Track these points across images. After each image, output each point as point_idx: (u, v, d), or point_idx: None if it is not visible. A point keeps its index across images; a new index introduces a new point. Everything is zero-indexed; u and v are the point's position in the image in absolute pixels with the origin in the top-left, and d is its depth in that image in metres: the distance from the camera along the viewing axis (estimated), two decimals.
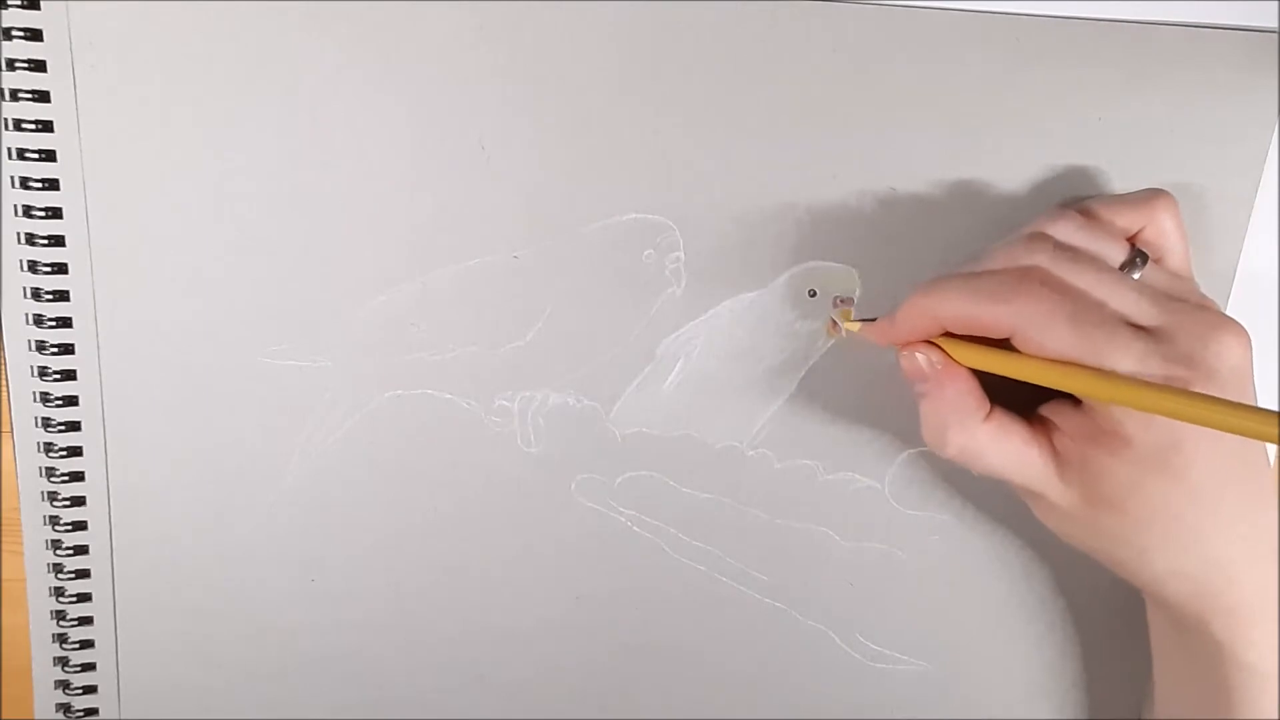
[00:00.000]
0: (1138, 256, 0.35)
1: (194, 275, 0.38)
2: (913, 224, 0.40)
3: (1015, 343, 0.33)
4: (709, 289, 0.40)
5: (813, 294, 0.40)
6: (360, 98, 0.37)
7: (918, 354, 0.35)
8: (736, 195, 0.40)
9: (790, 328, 0.41)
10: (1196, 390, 0.30)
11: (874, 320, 0.38)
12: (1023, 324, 0.32)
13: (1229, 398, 0.29)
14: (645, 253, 0.40)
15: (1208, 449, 0.32)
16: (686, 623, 0.44)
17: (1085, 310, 0.32)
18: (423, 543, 0.42)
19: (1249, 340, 0.33)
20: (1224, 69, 0.40)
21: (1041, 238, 0.35)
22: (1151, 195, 0.37)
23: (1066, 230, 0.35)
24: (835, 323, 0.41)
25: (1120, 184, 0.40)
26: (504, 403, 0.41)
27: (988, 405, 0.35)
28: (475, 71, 0.38)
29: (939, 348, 0.35)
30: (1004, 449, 0.35)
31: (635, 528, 0.42)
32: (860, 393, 0.42)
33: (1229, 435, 0.30)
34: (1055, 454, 0.35)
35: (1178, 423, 0.31)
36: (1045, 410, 0.36)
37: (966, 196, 0.40)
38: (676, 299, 0.40)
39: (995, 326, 0.33)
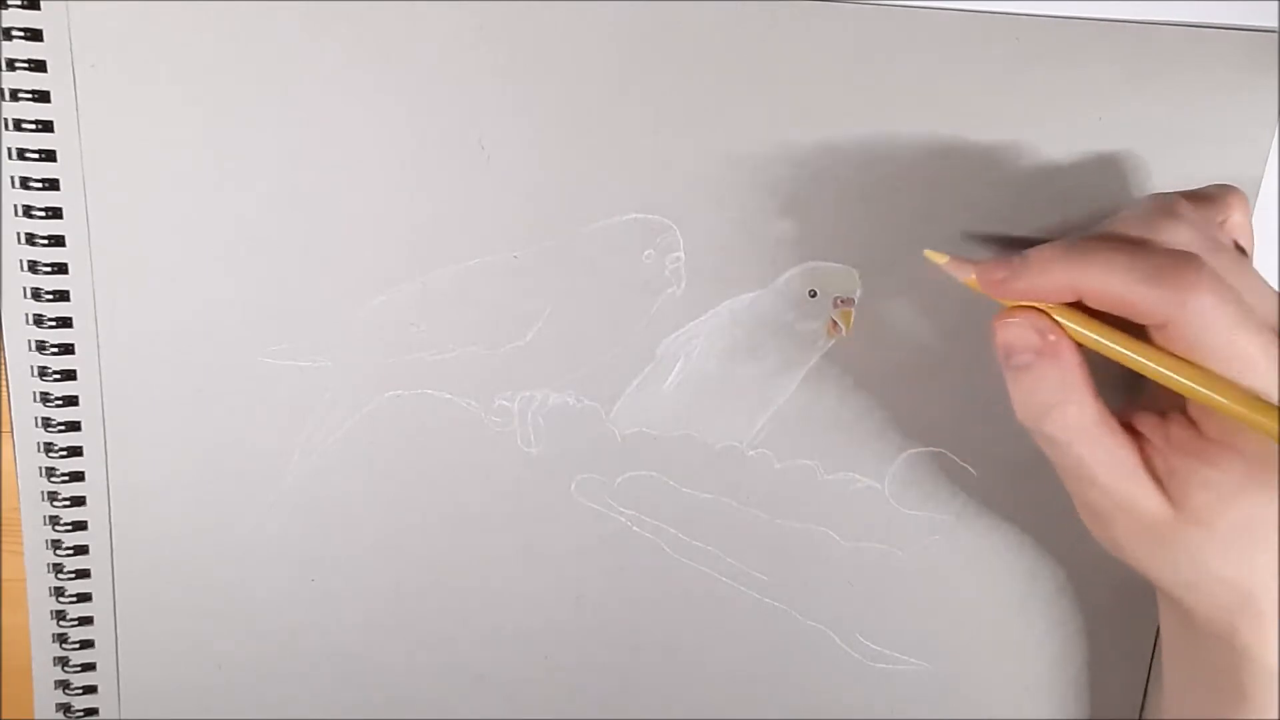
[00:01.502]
0: (1241, 254, 0.33)
1: (194, 275, 0.38)
2: (914, 224, 0.40)
3: (1163, 336, 0.31)
4: (709, 289, 0.40)
5: (813, 294, 0.40)
6: (360, 97, 0.37)
7: (1023, 322, 0.33)
8: (737, 195, 0.40)
9: (791, 328, 0.41)
10: None
11: (977, 262, 0.34)
12: (1185, 318, 0.30)
13: None
14: (645, 253, 0.40)
15: None
16: (686, 623, 0.44)
17: (1246, 315, 0.30)
18: (422, 543, 0.42)
19: None
20: (1225, 69, 0.40)
21: (1183, 219, 0.32)
22: (1227, 190, 0.35)
23: (1190, 210, 0.33)
24: (835, 323, 0.40)
25: (1122, 184, 0.40)
26: (504, 403, 0.41)
27: (1093, 384, 0.33)
28: (475, 71, 0.38)
29: (1048, 315, 0.33)
30: (1102, 444, 0.33)
31: (635, 528, 0.42)
32: (860, 393, 0.42)
33: None
34: (1146, 461, 0.33)
35: None
36: (1130, 417, 0.34)
37: (968, 196, 0.40)
38: (677, 299, 0.40)
39: (1149, 313, 0.30)
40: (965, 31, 0.39)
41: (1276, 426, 0.29)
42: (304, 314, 0.39)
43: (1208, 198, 0.35)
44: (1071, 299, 0.32)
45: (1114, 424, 0.33)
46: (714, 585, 0.43)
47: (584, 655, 0.44)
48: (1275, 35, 0.40)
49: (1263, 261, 0.42)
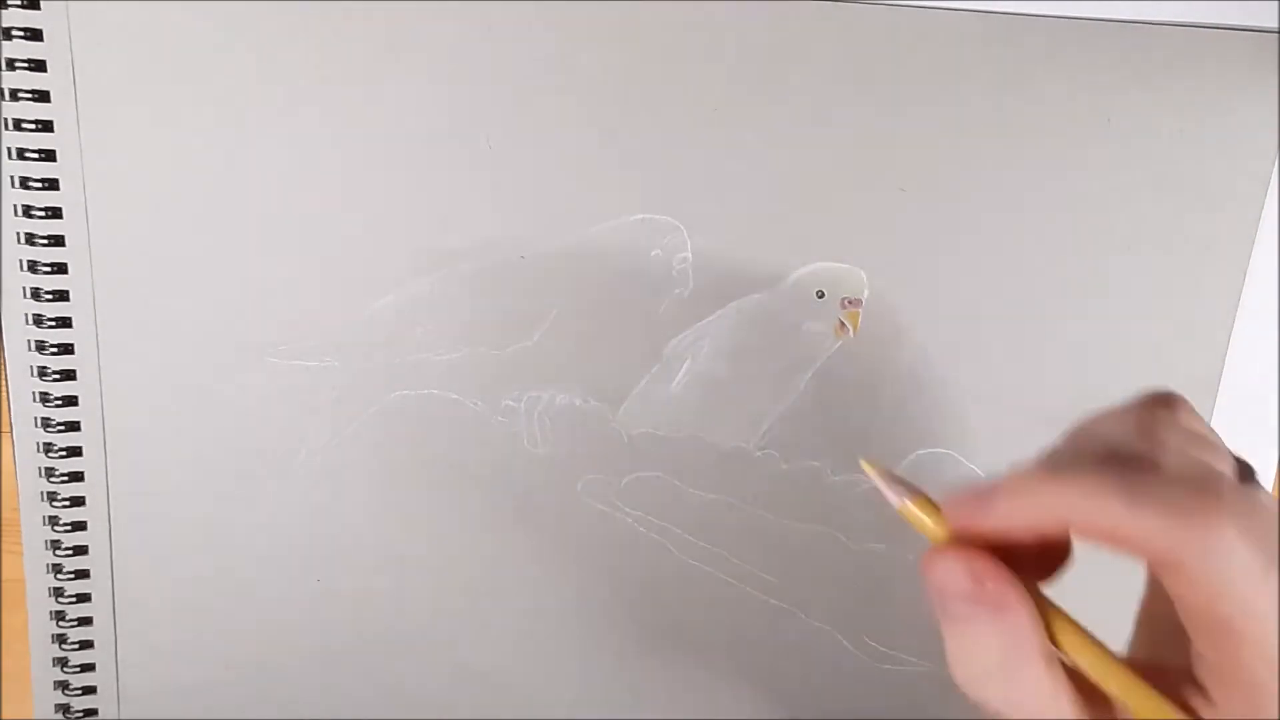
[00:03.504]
0: (1246, 471, 0.27)
1: (195, 275, 0.38)
2: (921, 225, 0.40)
3: (1173, 579, 0.24)
4: (716, 290, 0.40)
5: (820, 295, 0.40)
6: (367, 97, 0.37)
7: (966, 566, 0.25)
8: (744, 196, 0.39)
9: (798, 329, 0.41)
10: None
11: (931, 503, 0.27)
12: (1201, 560, 0.23)
13: None
14: (652, 253, 0.40)
15: None
16: (692, 623, 0.44)
17: (1273, 558, 0.23)
18: (428, 542, 0.42)
19: None
20: (1232, 69, 0.40)
21: (1196, 430, 0.26)
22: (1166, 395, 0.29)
23: (1191, 422, 0.27)
24: (843, 324, 0.40)
25: (1130, 185, 0.40)
26: (510, 403, 0.40)
27: (1049, 644, 0.26)
28: (482, 72, 0.37)
29: (988, 556, 0.25)
30: (1052, 710, 0.25)
31: (641, 528, 0.42)
32: (868, 394, 0.42)
33: None
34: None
35: None
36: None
37: (975, 198, 0.40)
38: (684, 300, 0.40)
39: (1158, 552, 0.23)
40: (974, 32, 0.39)
41: None
42: (310, 314, 0.39)
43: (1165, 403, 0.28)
44: (1060, 530, 0.25)
45: (1070, 696, 0.26)
46: (720, 586, 0.43)
47: (589, 655, 0.44)
48: (1276, 36, 0.39)
49: (1263, 262, 0.42)
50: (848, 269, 0.40)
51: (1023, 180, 0.40)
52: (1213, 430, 0.28)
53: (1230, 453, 0.27)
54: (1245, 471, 0.27)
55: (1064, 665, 0.26)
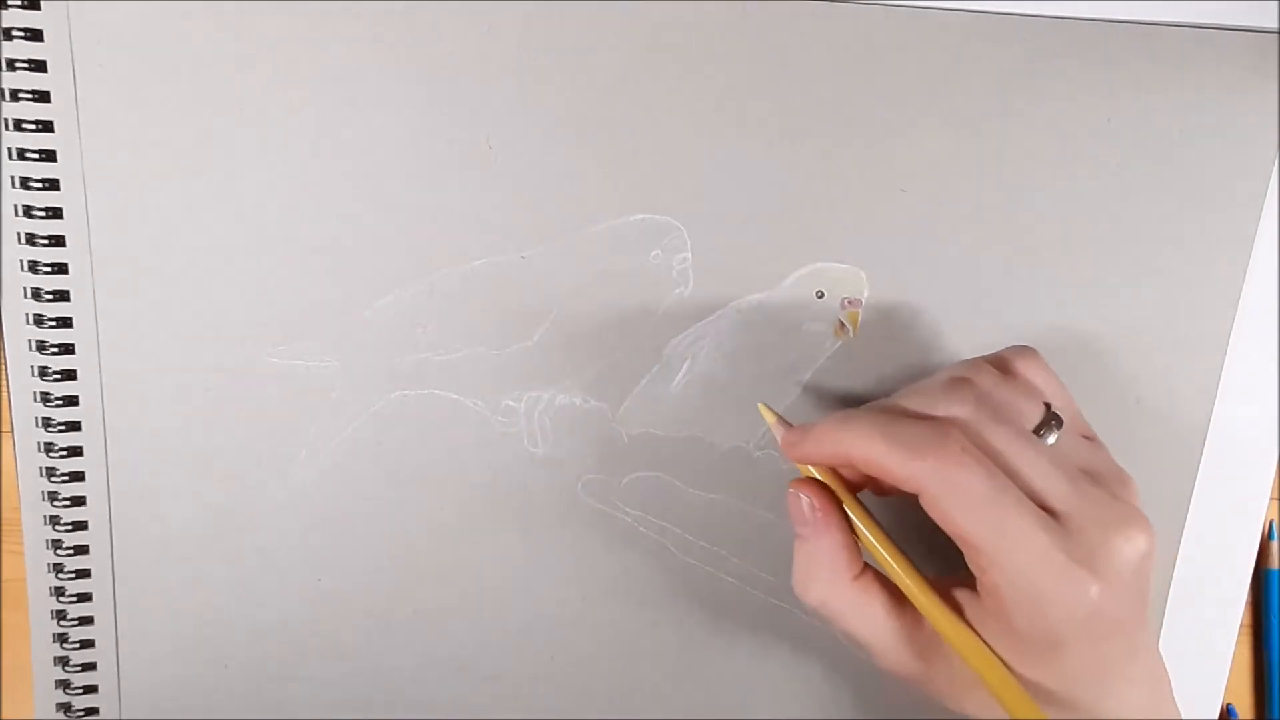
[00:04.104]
0: (1053, 420, 0.34)
1: (195, 275, 0.38)
2: (921, 225, 0.40)
3: (923, 502, 0.31)
4: (716, 290, 0.40)
5: (820, 295, 0.40)
6: (367, 97, 0.37)
7: (802, 495, 0.34)
8: (744, 196, 0.39)
9: (798, 329, 0.41)
10: (1093, 588, 0.30)
11: (788, 425, 0.36)
12: (934, 488, 0.31)
13: (1123, 597, 0.30)
14: (653, 253, 0.40)
15: (1087, 646, 0.32)
16: (692, 623, 0.44)
17: (1000, 490, 0.30)
18: (429, 543, 0.42)
19: (1152, 537, 0.32)
20: (1233, 69, 0.40)
21: (964, 385, 0.33)
22: (1017, 353, 0.36)
23: (987, 383, 0.34)
24: (843, 324, 0.40)
25: (1130, 185, 0.40)
26: (510, 403, 0.40)
27: (859, 565, 0.34)
28: (483, 71, 0.37)
29: (827, 490, 0.34)
30: (863, 615, 0.34)
31: (641, 528, 0.42)
32: (867, 394, 0.42)
33: (1114, 633, 0.31)
34: (916, 625, 0.34)
35: (1064, 624, 0.31)
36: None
37: (975, 198, 0.40)
38: (684, 300, 0.40)
39: (906, 481, 0.31)
40: (974, 32, 0.39)
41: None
42: (310, 313, 0.39)
43: (1002, 362, 0.36)
44: (845, 465, 0.34)
45: (880, 595, 0.34)
46: (720, 586, 0.43)
47: (589, 655, 0.44)
48: (1276, 36, 0.39)
49: (1263, 262, 0.42)
50: (848, 269, 0.40)
51: (1023, 180, 0.40)
52: (1039, 378, 0.35)
53: (1039, 401, 0.34)
54: (1051, 419, 0.34)
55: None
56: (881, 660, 0.35)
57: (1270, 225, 0.41)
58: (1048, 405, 0.34)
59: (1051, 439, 0.33)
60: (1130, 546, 0.31)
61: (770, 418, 0.37)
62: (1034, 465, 0.32)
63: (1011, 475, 0.31)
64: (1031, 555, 0.30)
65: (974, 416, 0.32)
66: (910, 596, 0.33)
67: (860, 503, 0.35)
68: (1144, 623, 0.33)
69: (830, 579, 0.34)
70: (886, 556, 0.33)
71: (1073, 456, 0.33)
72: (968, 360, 0.36)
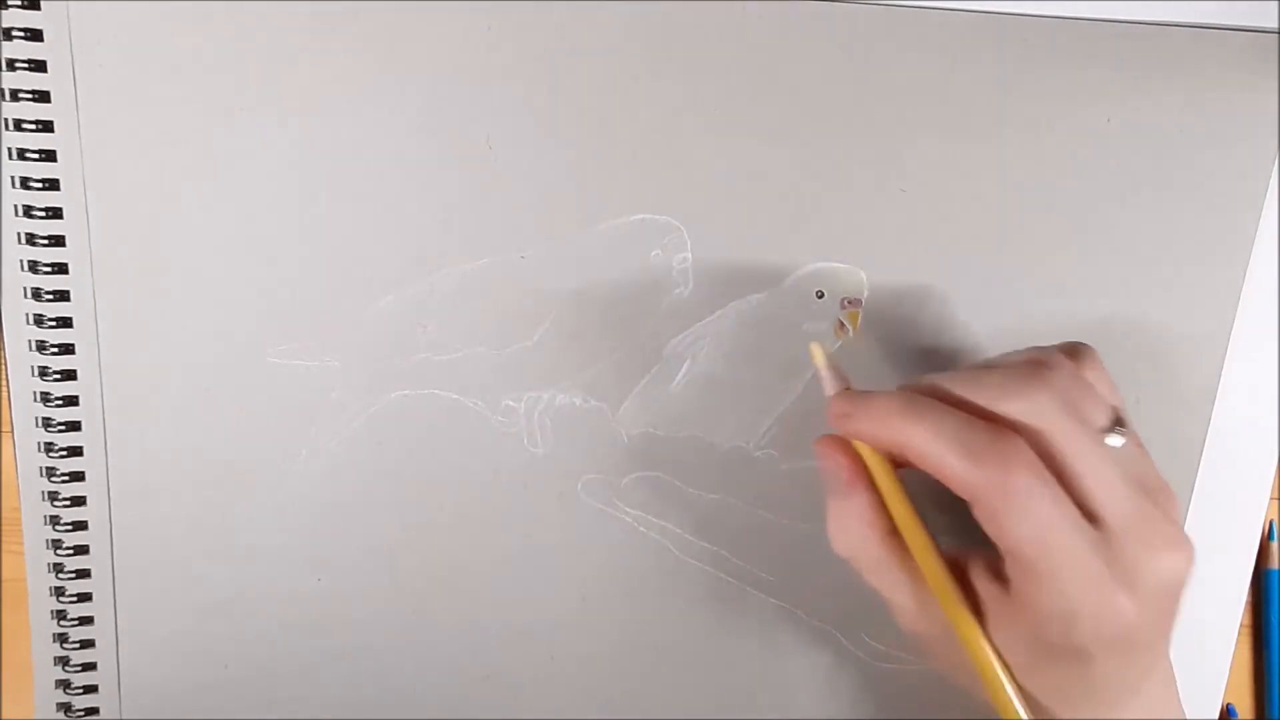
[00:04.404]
0: (1120, 423, 0.33)
1: (195, 275, 0.38)
2: (921, 225, 0.40)
3: (974, 509, 0.31)
4: (716, 290, 0.40)
5: (820, 295, 0.40)
6: (367, 97, 0.37)
7: (832, 459, 0.35)
8: (744, 196, 0.39)
9: (798, 329, 0.41)
10: (1130, 610, 0.30)
11: (844, 381, 0.35)
12: (993, 502, 0.30)
13: (1156, 618, 0.30)
14: (653, 253, 0.40)
15: (1114, 661, 0.31)
16: (692, 623, 0.44)
17: (1061, 516, 0.30)
18: (429, 542, 0.42)
19: (1193, 561, 0.31)
20: (1233, 69, 0.40)
21: (1043, 373, 0.32)
22: (1077, 347, 0.36)
23: (1065, 376, 0.33)
24: (843, 324, 0.40)
25: (1131, 185, 0.40)
26: (510, 403, 0.40)
27: (889, 523, 0.34)
28: (483, 71, 0.37)
29: (857, 457, 0.34)
30: (888, 574, 0.34)
31: (641, 528, 0.42)
32: None
33: (1143, 651, 0.32)
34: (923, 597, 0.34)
35: (1095, 641, 0.30)
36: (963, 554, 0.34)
37: (975, 198, 0.40)
38: (684, 299, 0.40)
39: (963, 489, 0.30)
40: (974, 32, 0.39)
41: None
42: (311, 313, 0.39)
43: (1072, 353, 0.35)
44: (898, 453, 0.32)
45: (901, 561, 0.34)
46: (720, 586, 0.43)
47: (589, 655, 0.44)
48: (1276, 36, 0.39)
49: (1263, 261, 0.42)
50: (848, 269, 0.40)
51: (1023, 180, 0.40)
52: (1101, 379, 0.35)
53: (1108, 403, 0.33)
54: (1117, 422, 0.33)
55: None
56: (900, 619, 0.35)
57: (1270, 225, 0.41)
58: (1114, 408, 0.33)
59: (1119, 443, 0.32)
60: (1171, 571, 0.30)
61: (820, 360, 0.36)
62: (1098, 473, 0.30)
63: (1073, 479, 0.30)
64: (1075, 574, 0.29)
65: (1049, 413, 0.31)
66: (927, 577, 0.33)
67: (893, 476, 0.34)
68: (1170, 639, 0.33)
69: (860, 535, 0.34)
70: (909, 536, 0.33)
71: (1129, 465, 0.32)
72: (1043, 347, 0.35)
